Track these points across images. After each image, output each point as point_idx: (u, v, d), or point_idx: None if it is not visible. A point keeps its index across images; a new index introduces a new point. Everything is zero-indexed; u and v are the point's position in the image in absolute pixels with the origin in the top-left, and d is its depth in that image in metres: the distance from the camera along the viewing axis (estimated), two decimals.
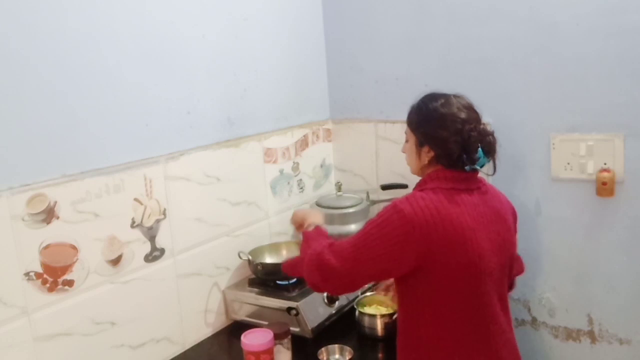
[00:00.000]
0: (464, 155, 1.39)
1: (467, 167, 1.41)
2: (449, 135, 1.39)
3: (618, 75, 1.79)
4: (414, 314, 1.42)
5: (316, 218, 1.67)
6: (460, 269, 1.35)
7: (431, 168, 1.45)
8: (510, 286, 1.58)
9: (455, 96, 1.45)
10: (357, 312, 1.78)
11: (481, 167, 1.43)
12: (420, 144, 1.46)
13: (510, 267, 1.50)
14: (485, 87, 2.01)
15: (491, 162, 1.46)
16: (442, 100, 1.44)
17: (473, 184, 1.43)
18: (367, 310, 1.80)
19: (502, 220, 1.46)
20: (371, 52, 2.23)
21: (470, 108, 1.44)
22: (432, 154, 1.43)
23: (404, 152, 1.55)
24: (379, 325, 1.74)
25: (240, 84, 1.94)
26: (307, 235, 1.57)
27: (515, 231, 1.54)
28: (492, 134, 1.45)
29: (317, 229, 1.59)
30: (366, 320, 1.76)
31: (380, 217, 1.38)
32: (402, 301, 1.44)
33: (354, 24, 2.25)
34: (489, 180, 1.52)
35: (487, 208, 1.43)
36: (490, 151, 1.43)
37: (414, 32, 2.12)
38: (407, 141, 1.53)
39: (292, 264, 1.59)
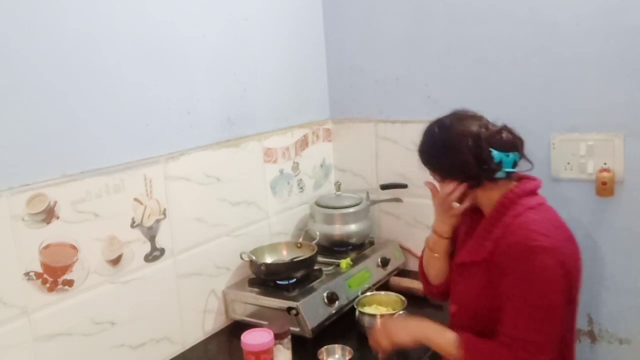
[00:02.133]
0: (484, 167, 1.32)
1: (498, 175, 1.33)
2: (459, 159, 1.33)
3: (618, 75, 1.79)
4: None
5: (433, 332, 1.38)
6: (579, 283, 1.33)
7: (487, 192, 1.37)
8: None
9: (448, 116, 1.41)
10: (357, 312, 1.78)
11: (513, 167, 1.36)
12: (442, 178, 1.42)
13: None
14: (485, 87, 2.01)
15: (522, 158, 1.39)
16: (436, 127, 1.40)
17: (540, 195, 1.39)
18: (367, 310, 1.80)
19: None
20: (371, 52, 2.23)
21: (467, 118, 1.38)
22: (457, 182, 1.37)
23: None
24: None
25: (240, 84, 1.94)
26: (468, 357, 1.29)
27: None
28: (502, 130, 1.36)
29: (466, 346, 1.30)
30: (366, 320, 1.76)
31: (530, 272, 1.23)
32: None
33: (354, 24, 2.25)
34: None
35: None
36: (509, 147, 1.34)
37: (414, 32, 2.11)
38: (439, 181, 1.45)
39: None
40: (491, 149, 1.32)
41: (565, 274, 1.24)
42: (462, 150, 1.32)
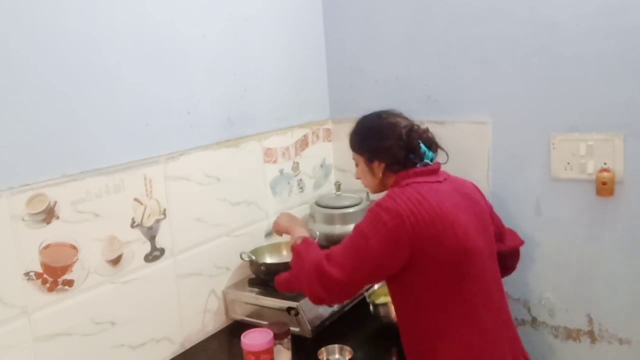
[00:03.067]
0: (411, 155, 1.50)
1: (419, 165, 1.50)
2: (391, 143, 1.51)
3: (618, 75, 1.79)
4: (414, 308, 1.44)
5: (302, 230, 1.70)
6: (451, 252, 1.39)
7: (389, 178, 1.53)
8: (513, 266, 1.71)
9: (383, 110, 1.59)
10: (371, 306, 1.80)
11: (431, 160, 1.53)
12: (370, 161, 1.56)
13: (496, 244, 1.57)
14: (485, 87, 2.01)
15: (441, 153, 1.56)
16: (374, 117, 1.59)
17: (440, 177, 1.51)
18: (381, 300, 1.81)
19: (475, 203, 1.54)
20: (371, 52, 2.23)
21: (400, 115, 1.57)
22: (383, 165, 1.53)
23: (358, 178, 1.65)
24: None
25: (240, 84, 1.94)
26: (298, 250, 1.58)
27: (491, 208, 1.63)
28: (427, 130, 1.57)
29: (305, 241, 1.60)
30: (382, 311, 1.77)
31: (367, 219, 1.42)
32: (401, 299, 1.47)
33: (354, 24, 2.25)
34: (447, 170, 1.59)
35: (459, 195, 1.51)
36: (432, 145, 1.54)
37: (414, 32, 2.11)
38: (357, 165, 1.62)
39: (285, 279, 1.60)
40: (420, 141, 1.52)
41: (395, 235, 1.36)
42: (395, 137, 1.51)
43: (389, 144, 1.51)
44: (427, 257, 1.38)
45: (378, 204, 1.42)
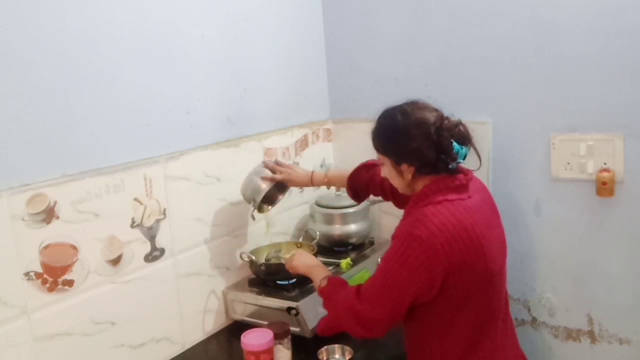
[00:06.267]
0: (442, 156, 1.36)
1: (451, 166, 1.37)
2: (419, 144, 1.35)
3: (618, 75, 1.79)
4: (431, 328, 1.40)
5: (320, 269, 1.62)
6: (478, 279, 1.35)
7: (419, 181, 1.41)
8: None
9: (408, 103, 1.42)
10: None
11: (464, 159, 1.39)
12: (397, 164, 1.41)
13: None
14: (485, 87, 2.01)
15: (473, 154, 1.42)
16: (398, 113, 1.40)
17: (470, 189, 1.40)
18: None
19: (497, 213, 1.48)
20: (371, 52, 2.23)
21: (427, 108, 1.40)
22: (412, 168, 1.39)
23: (384, 175, 1.51)
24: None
25: (240, 83, 1.94)
26: (326, 293, 1.50)
27: None
28: (460, 123, 1.39)
29: (330, 281, 1.52)
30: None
31: (398, 250, 1.33)
32: (418, 316, 1.41)
33: (354, 24, 2.25)
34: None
35: (487, 206, 1.44)
36: (465, 140, 1.38)
37: (414, 32, 2.12)
38: (383, 164, 1.48)
39: (326, 326, 1.51)
40: (452, 140, 1.36)
41: (429, 267, 1.29)
42: (423, 137, 1.35)
43: (416, 146, 1.35)
44: (456, 283, 1.32)
45: (409, 233, 1.31)
